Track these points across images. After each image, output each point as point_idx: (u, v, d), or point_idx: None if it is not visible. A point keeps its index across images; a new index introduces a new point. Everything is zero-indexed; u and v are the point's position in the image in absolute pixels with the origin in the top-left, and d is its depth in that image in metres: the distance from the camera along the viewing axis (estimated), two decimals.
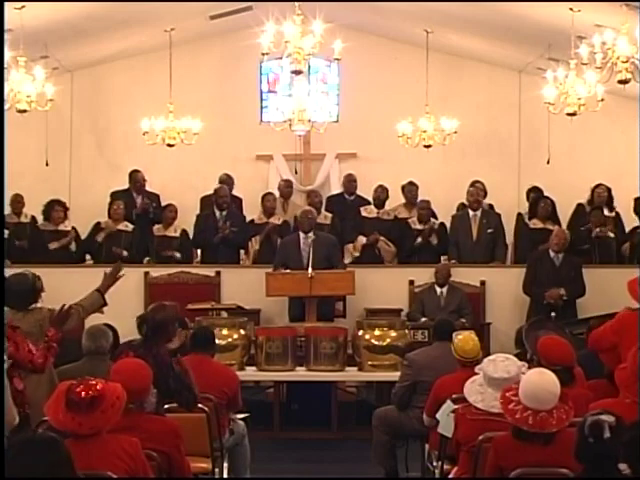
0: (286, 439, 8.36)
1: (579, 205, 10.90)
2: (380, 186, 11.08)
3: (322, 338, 8.52)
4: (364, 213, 10.94)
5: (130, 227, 10.76)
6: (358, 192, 11.52)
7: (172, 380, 5.28)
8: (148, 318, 5.43)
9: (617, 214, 10.83)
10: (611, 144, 12.56)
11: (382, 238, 10.71)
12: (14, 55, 9.18)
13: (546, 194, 11.04)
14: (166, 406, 5.43)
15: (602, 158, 12.52)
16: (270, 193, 11.30)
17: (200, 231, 10.80)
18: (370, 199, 11.11)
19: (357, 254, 10.79)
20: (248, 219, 11.01)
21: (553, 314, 9.20)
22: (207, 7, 11.61)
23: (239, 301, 9.74)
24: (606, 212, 10.69)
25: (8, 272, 6.52)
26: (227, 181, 11.44)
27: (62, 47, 11.29)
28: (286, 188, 11.63)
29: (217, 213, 10.78)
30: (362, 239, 10.73)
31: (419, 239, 10.59)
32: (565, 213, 10.97)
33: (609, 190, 10.85)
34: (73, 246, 10.65)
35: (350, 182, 11.63)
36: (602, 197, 10.79)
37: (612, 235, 10.50)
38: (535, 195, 11.05)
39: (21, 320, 5.87)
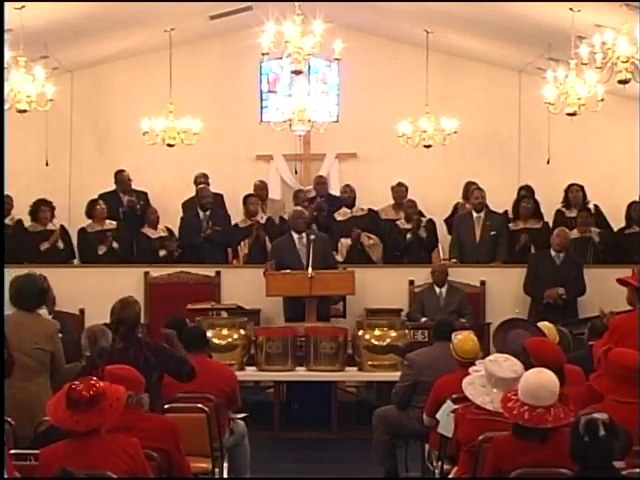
0: (286, 439, 8.36)
1: (558, 211, 10.88)
2: (347, 185, 11.20)
3: (322, 338, 8.53)
4: (339, 218, 10.91)
5: (114, 224, 10.73)
6: (359, 193, 11.45)
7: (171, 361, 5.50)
8: (124, 318, 5.46)
9: (599, 212, 10.80)
10: (611, 144, 12.55)
11: (364, 233, 10.67)
12: (14, 55, 9.16)
13: (546, 194, 11.05)
14: (166, 406, 5.45)
15: (602, 158, 12.51)
16: (252, 195, 11.17)
17: (185, 234, 10.80)
18: (352, 198, 11.02)
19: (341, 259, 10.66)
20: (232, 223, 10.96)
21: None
22: (207, 7, 11.61)
23: (239, 301, 9.74)
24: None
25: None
26: (205, 181, 11.43)
27: (62, 47, 11.29)
28: (261, 190, 11.56)
29: (201, 214, 10.80)
30: (345, 241, 10.65)
31: (409, 235, 10.58)
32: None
33: (582, 188, 10.83)
34: (61, 244, 10.62)
35: (319, 185, 11.64)
36: (577, 198, 10.77)
37: (597, 238, 10.48)
38: (518, 197, 11.01)
39: (33, 323, 5.80)
